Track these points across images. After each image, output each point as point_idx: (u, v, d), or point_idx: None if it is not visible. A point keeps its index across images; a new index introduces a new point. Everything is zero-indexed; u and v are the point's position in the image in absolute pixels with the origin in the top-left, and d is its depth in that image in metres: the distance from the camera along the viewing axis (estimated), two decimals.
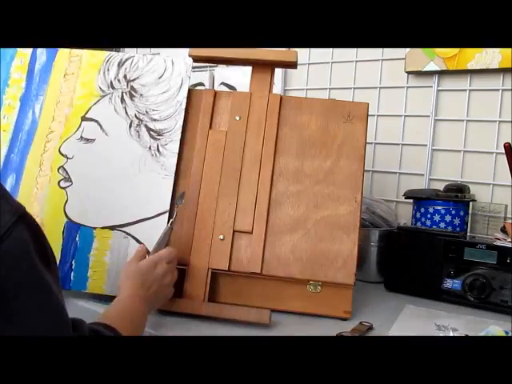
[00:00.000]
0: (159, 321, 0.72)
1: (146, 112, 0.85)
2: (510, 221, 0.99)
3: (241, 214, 0.80)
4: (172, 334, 0.68)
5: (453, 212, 1.03)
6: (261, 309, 0.73)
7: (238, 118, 0.85)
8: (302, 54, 1.39)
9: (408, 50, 1.18)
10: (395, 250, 0.96)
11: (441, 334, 0.71)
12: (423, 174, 1.19)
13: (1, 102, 0.88)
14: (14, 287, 0.40)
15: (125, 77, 0.87)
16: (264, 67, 0.86)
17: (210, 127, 0.85)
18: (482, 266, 0.86)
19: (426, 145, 1.19)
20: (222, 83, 1.49)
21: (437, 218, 1.03)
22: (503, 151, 0.91)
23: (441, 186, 1.08)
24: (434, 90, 1.18)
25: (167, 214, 0.79)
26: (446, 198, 1.03)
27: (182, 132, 0.84)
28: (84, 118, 0.86)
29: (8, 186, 0.82)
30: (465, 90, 1.15)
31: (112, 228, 0.80)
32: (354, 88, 1.30)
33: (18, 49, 0.92)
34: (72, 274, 0.79)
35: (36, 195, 0.83)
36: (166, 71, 0.87)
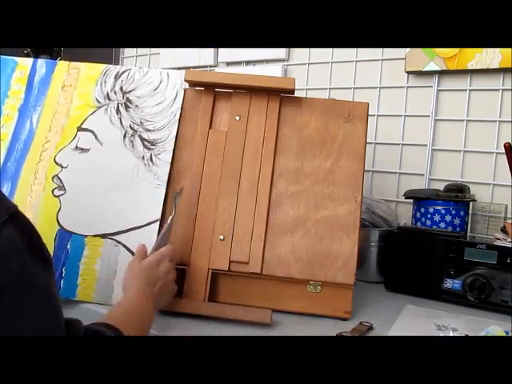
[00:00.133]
0: (159, 321, 0.72)
1: (141, 123, 0.86)
2: (510, 221, 0.99)
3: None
4: (172, 333, 0.68)
5: (453, 212, 1.03)
6: (262, 309, 0.73)
7: (237, 118, 0.85)
8: (302, 54, 1.39)
9: (408, 50, 1.18)
10: (395, 250, 0.96)
11: (441, 334, 0.71)
12: (423, 174, 1.19)
13: (0, 113, 0.90)
14: (3, 287, 0.40)
15: (121, 88, 0.89)
16: (261, 94, 0.86)
17: (210, 127, 0.85)
18: (482, 266, 0.86)
19: (426, 145, 1.19)
20: None
21: (437, 218, 1.03)
22: (503, 151, 0.91)
23: (441, 186, 1.08)
24: (434, 90, 1.18)
25: (158, 223, 0.80)
26: (446, 197, 1.03)
27: (182, 132, 0.85)
28: (80, 129, 0.87)
29: None
30: (465, 90, 1.15)
31: (103, 236, 0.80)
32: (354, 88, 1.30)
33: (19, 61, 0.94)
34: (62, 281, 0.79)
35: (30, 203, 0.83)
36: (162, 83, 0.88)
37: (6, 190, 0.84)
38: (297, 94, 0.87)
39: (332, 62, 1.34)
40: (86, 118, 0.88)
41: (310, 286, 0.78)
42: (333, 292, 0.78)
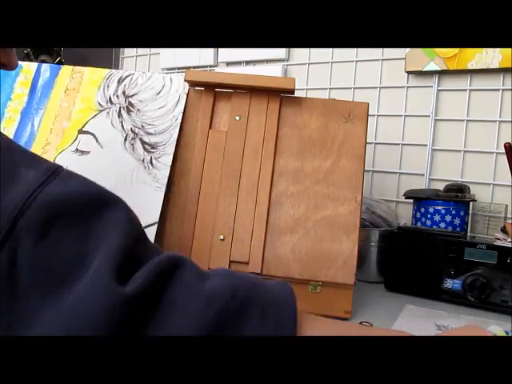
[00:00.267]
0: None
1: (142, 126, 0.86)
2: (510, 221, 0.99)
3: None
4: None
5: (453, 212, 1.03)
6: None
7: (238, 118, 0.85)
8: (302, 54, 1.39)
9: (408, 50, 1.18)
10: (395, 250, 0.96)
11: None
12: (423, 174, 1.19)
13: (2, 115, 0.90)
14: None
15: (123, 92, 0.89)
16: (261, 94, 0.86)
17: (210, 127, 0.85)
18: (482, 266, 0.86)
19: (426, 145, 1.19)
20: None
21: (437, 218, 1.03)
22: (503, 151, 0.91)
23: (441, 186, 1.09)
24: (434, 89, 1.18)
25: (156, 226, 0.79)
26: (446, 198, 1.03)
27: (181, 132, 0.85)
28: (81, 131, 0.87)
29: None
30: (465, 90, 1.15)
31: None
32: (354, 88, 1.30)
33: (24, 65, 0.95)
34: None
35: None
36: (164, 87, 0.88)
37: None
38: (297, 93, 0.87)
39: (332, 62, 1.34)
40: (87, 121, 0.88)
41: (310, 286, 0.78)
42: (333, 292, 0.78)
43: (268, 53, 1.43)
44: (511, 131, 1.08)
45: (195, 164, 0.84)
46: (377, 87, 1.27)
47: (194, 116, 0.86)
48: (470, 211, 1.07)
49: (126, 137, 0.85)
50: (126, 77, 0.90)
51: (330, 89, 1.34)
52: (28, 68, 0.94)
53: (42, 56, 1.81)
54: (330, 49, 1.34)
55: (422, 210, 1.05)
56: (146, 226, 0.80)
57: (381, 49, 1.26)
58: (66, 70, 0.93)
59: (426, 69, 1.16)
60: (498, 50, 1.07)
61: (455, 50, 1.12)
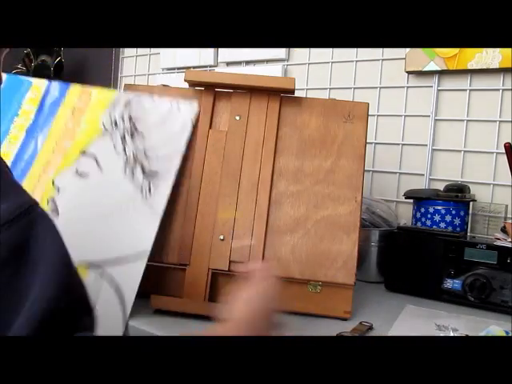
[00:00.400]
0: (159, 321, 0.72)
1: (144, 151, 0.84)
2: (510, 221, 0.99)
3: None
4: (172, 333, 0.68)
5: (453, 212, 1.03)
6: None
7: (238, 118, 0.85)
8: (302, 54, 1.39)
9: (408, 50, 1.18)
10: (395, 250, 0.96)
11: (441, 334, 0.71)
12: (423, 174, 1.19)
13: (4, 133, 0.89)
14: None
15: (129, 116, 0.87)
16: (261, 94, 0.86)
17: (210, 127, 0.85)
18: (482, 266, 0.86)
19: (426, 145, 1.19)
20: None
21: (437, 218, 1.03)
22: (503, 151, 0.91)
23: (441, 186, 1.08)
24: (434, 89, 1.18)
25: (148, 253, 0.76)
26: (446, 197, 1.03)
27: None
28: (82, 153, 0.86)
29: None
30: (465, 90, 1.15)
31: (89, 264, 0.77)
32: (354, 88, 1.30)
33: (34, 82, 0.93)
34: None
35: None
36: (171, 114, 0.86)
37: None
38: (297, 93, 0.87)
39: (332, 62, 1.34)
40: (90, 143, 0.87)
41: (310, 286, 0.78)
42: (333, 292, 0.78)
43: (268, 53, 1.43)
44: (511, 131, 1.08)
45: (195, 164, 0.84)
46: (377, 87, 1.27)
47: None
48: (470, 211, 1.07)
49: (127, 161, 0.84)
50: (134, 100, 0.88)
51: (330, 89, 1.34)
52: (38, 85, 0.93)
53: (42, 56, 1.80)
54: (330, 49, 1.34)
55: (422, 209, 1.05)
56: (137, 254, 0.77)
57: (381, 49, 1.26)
58: (74, 89, 0.92)
59: (426, 69, 1.16)
60: (497, 50, 1.07)
61: (455, 50, 1.12)
